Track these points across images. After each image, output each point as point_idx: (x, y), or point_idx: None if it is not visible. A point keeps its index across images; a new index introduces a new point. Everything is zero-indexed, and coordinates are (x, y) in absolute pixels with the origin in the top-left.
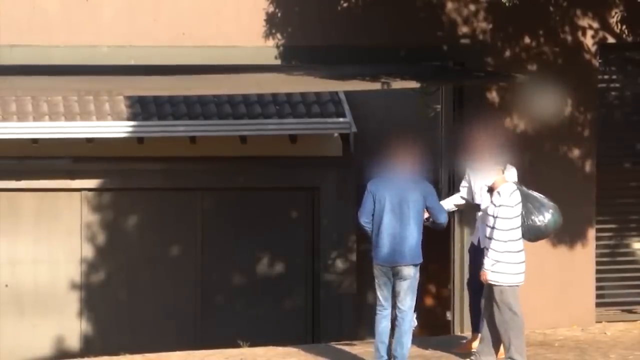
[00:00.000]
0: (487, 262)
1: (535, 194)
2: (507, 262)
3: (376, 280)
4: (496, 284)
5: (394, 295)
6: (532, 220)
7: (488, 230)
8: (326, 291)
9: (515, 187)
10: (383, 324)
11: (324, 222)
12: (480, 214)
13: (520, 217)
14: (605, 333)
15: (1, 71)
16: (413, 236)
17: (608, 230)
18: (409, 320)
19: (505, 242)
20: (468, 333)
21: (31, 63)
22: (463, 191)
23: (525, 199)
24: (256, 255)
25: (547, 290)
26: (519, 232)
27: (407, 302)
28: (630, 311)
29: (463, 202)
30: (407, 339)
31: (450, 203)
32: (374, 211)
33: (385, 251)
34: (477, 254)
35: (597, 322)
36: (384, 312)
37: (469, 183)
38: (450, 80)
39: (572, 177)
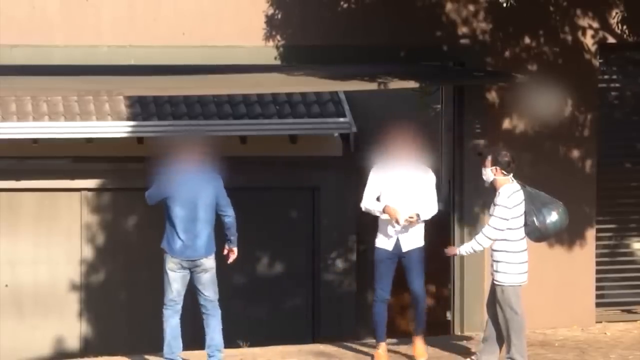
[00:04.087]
0: (464, 248)
1: (542, 194)
2: (508, 262)
3: (172, 274)
4: (497, 283)
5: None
6: (531, 221)
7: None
8: (326, 291)
9: (517, 187)
10: (175, 319)
11: (324, 222)
12: (383, 216)
13: (522, 217)
14: (605, 333)
15: (1, 71)
16: (206, 230)
17: (608, 230)
18: (218, 309)
19: (500, 241)
20: (468, 333)
21: (31, 63)
22: (370, 197)
23: (529, 199)
24: (256, 255)
25: (547, 290)
26: (521, 232)
27: (213, 291)
28: (630, 311)
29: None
30: (220, 327)
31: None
32: (169, 208)
33: (178, 245)
34: (387, 260)
35: (597, 322)
36: (176, 306)
37: (378, 184)
38: (450, 80)
39: (572, 177)
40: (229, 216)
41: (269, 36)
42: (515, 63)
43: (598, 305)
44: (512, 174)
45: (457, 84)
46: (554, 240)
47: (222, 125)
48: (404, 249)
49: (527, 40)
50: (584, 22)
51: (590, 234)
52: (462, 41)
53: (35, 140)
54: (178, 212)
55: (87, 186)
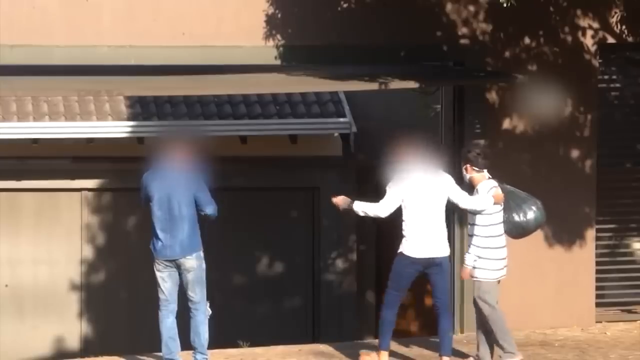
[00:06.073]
0: (469, 259)
1: (518, 191)
2: (486, 257)
3: (159, 274)
4: (474, 279)
5: (183, 288)
6: (512, 217)
7: (469, 227)
8: (326, 291)
9: (494, 183)
10: (170, 319)
11: (324, 222)
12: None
13: (501, 213)
14: (605, 333)
15: (1, 71)
16: (184, 230)
17: (608, 230)
18: (203, 311)
19: (486, 237)
20: (468, 333)
21: (31, 63)
22: (390, 205)
23: (508, 196)
24: (256, 255)
25: (547, 290)
26: (500, 228)
27: (198, 292)
28: (630, 311)
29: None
30: (204, 329)
31: (366, 208)
32: (150, 209)
33: (158, 246)
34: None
35: (597, 322)
36: (169, 306)
37: (401, 194)
38: (450, 80)
39: (572, 177)
40: (209, 214)
41: (268, 36)
42: (515, 63)
43: (598, 305)
44: (486, 170)
45: (457, 84)
46: (554, 240)
47: (222, 125)
48: None
49: (527, 40)
50: (583, 22)
51: (590, 234)
52: (462, 41)
53: (35, 140)
54: (156, 212)
55: (88, 186)
